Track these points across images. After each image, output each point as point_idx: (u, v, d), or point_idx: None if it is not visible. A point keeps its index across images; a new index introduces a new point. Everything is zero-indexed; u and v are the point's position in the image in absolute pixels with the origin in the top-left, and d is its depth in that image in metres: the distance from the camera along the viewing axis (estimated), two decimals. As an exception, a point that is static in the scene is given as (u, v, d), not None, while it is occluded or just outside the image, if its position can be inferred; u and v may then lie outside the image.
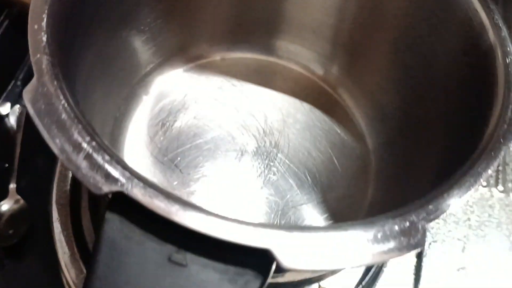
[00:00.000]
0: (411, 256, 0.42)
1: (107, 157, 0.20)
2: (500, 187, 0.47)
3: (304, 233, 0.19)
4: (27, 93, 0.21)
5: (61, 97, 0.21)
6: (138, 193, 0.19)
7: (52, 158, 0.49)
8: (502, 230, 0.44)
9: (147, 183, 0.19)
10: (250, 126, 0.38)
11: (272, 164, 0.37)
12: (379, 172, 0.38)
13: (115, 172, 0.19)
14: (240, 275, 0.20)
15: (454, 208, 0.21)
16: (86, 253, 0.38)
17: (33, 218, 0.45)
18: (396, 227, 0.20)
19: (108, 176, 0.19)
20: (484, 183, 0.47)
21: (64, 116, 0.20)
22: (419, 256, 0.42)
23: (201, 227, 0.19)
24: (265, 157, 0.38)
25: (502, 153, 0.23)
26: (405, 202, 0.30)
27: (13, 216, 0.46)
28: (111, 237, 0.19)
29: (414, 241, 0.20)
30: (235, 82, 0.40)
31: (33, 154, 0.50)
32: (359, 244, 0.20)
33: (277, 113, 0.39)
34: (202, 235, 0.19)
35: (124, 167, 0.20)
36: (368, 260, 0.20)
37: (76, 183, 0.41)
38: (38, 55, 0.22)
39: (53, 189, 0.40)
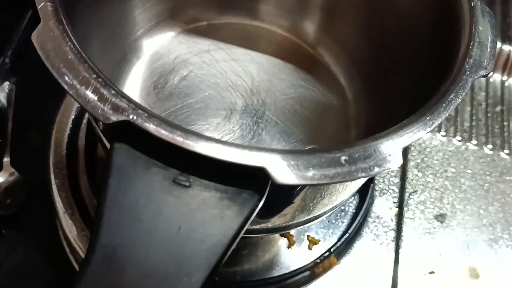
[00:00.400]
0: (393, 206, 0.45)
1: (113, 91, 0.22)
2: (474, 141, 0.50)
3: (294, 154, 0.22)
4: (35, 37, 0.22)
5: (67, 39, 0.23)
6: (143, 121, 0.21)
7: (44, 132, 0.50)
8: (477, 180, 0.48)
9: (151, 113, 0.21)
10: (238, 86, 0.40)
11: (260, 121, 0.39)
12: (359, 121, 0.40)
13: (122, 103, 0.21)
14: (239, 194, 0.22)
15: (427, 131, 0.24)
16: (86, 213, 0.40)
17: (29, 188, 0.47)
18: (373, 148, 0.23)
19: (115, 107, 0.21)
20: (459, 138, 0.50)
21: (71, 56, 0.22)
22: (400, 206, 0.45)
23: (202, 150, 0.21)
24: (253, 114, 0.40)
25: (469, 84, 0.26)
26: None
27: (9, 188, 0.47)
28: (119, 163, 0.21)
29: (391, 160, 0.23)
30: (222, 45, 0.42)
31: (25, 129, 0.51)
32: (346, 161, 0.22)
33: (263, 73, 0.42)
34: (204, 158, 0.21)
35: (129, 100, 0.22)
36: (352, 175, 0.22)
37: (72, 149, 0.42)
38: (43, 3, 0.23)
39: (50, 155, 0.42)
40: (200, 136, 0.21)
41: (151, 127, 0.21)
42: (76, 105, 0.43)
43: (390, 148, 0.23)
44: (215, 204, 0.21)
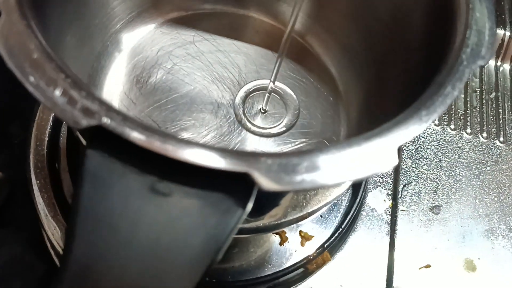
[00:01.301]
0: (387, 199, 0.44)
1: (83, 93, 0.20)
2: (468, 130, 0.49)
3: (281, 157, 0.20)
4: (-3, 33, 0.21)
5: (32, 35, 0.21)
6: (117, 126, 0.19)
7: (26, 127, 0.48)
8: (472, 169, 0.46)
9: (125, 116, 0.20)
10: (224, 79, 0.39)
11: (249, 114, 0.38)
12: (350, 115, 0.39)
13: (93, 106, 0.20)
14: (223, 201, 0.20)
15: (424, 128, 0.22)
16: (68, 213, 0.38)
17: (12, 185, 0.45)
18: (371, 147, 0.21)
19: (86, 111, 0.19)
20: (453, 126, 0.49)
21: (36, 54, 0.20)
22: (395, 198, 0.44)
23: (181, 155, 0.19)
24: (241, 108, 0.38)
25: (467, 75, 0.24)
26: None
27: (-10, 186, 0.45)
28: (92, 171, 0.20)
29: (388, 158, 0.21)
30: (207, 36, 0.40)
31: (5, 123, 0.49)
32: (335, 164, 0.20)
33: (251, 65, 0.40)
34: (183, 164, 0.19)
35: (101, 102, 0.20)
36: (344, 177, 0.20)
37: (53, 147, 0.40)
38: (5, -4, 0.21)
39: (30, 154, 0.40)
40: (179, 140, 0.19)
41: (125, 131, 0.19)
42: (56, 101, 0.41)
43: (385, 147, 0.21)
44: (197, 212, 0.20)
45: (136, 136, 0.19)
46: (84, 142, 0.24)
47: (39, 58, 0.20)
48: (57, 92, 0.20)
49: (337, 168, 0.20)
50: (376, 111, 0.34)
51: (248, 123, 0.37)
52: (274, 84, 0.37)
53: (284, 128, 0.38)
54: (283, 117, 0.38)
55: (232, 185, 0.20)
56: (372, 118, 0.35)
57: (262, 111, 0.38)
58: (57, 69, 0.20)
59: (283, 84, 0.39)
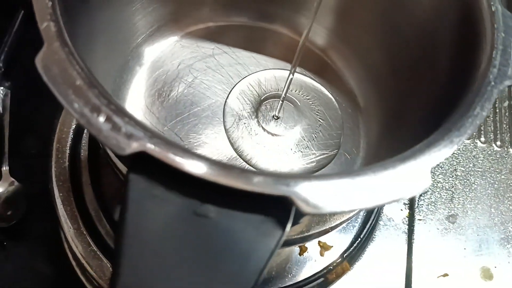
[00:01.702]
0: (404, 208, 0.45)
1: (126, 119, 0.20)
2: (482, 138, 0.49)
3: (321, 180, 0.21)
4: (39, 61, 0.21)
5: (74, 62, 0.21)
6: (161, 151, 0.20)
7: (42, 137, 0.49)
8: (487, 178, 0.47)
9: (168, 142, 0.20)
10: (245, 92, 0.39)
11: (269, 127, 0.38)
12: (371, 129, 0.39)
13: (137, 132, 0.20)
14: (263, 223, 0.21)
15: (454, 149, 0.23)
16: (92, 227, 0.38)
17: (30, 198, 0.45)
18: (405, 169, 0.22)
19: (130, 137, 0.20)
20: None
21: (79, 82, 0.21)
22: (411, 207, 0.45)
23: (223, 180, 0.20)
24: (261, 121, 0.38)
25: (495, 95, 0.24)
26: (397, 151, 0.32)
27: (9, 199, 0.46)
28: (136, 196, 0.20)
29: (421, 181, 0.22)
30: (226, 49, 0.41)
31: (22, 135, 0.50)
32: (371, 186, 0.21)
33: (270, 77, 0.40)
34: (225, 188, 0.20)
35: (145, 128, 0.20)
36: (381, 200, 0.21)
37: (75, 159, 0.41)
38: (46, 23, 0.22)
39: (52, 167, 0.40)
40: (222, 166, 0.20)
41: (169, 157, 0.20)
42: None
43: (418, 169, 0.22)
44: (239, 235, 0.20)
45: (179, 162, 0.20)
46: (120, 166, 0.24)
47: (81, 85, 0.21)
48: (101, 119, 0.20)
49: (374, 191, 0.21)
50: (397, 126, 0.34)
51: (266, 133, 0.38)
52: (286, 93, 0.38)
53: (299, 135, 0.38)
54: (296, 124, 0.39)
55: (271, 207, 0.21)
56: (393, 132, 0.35)
57: (275, 117, 0.38)
58: (99, 96, 0.21)
59: (304, 96, 0.40)
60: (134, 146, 0.20)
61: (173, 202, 0.20)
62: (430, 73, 0.31)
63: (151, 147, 0.20)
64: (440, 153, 0.23)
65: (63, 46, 0.22)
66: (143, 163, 0.20)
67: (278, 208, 0.21)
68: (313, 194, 0.20)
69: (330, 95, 0.40)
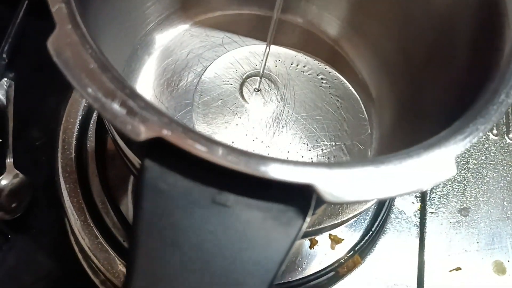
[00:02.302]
0: (415, 201, 0.44)
1: (142, 103, 0.19)
2: (495, 131, 0.48)
3: (343, 168, 0.20)
4: (51, 44, 0.20)
5: (87, 45, 0.20)
6: (178, 137, 0.19)
7: (47, 129, 0.48)
8: (499, 171, 0.46)
9: (185, 127, 0.19)
10: (255, 81, 0.38)
11: (280, 117, 0.37)
12: (383, 119, 0.38)
13: (153, 117, 0.19)
14: (283, 212, 0.20)
15: (480, 136, 0.22)
16: (99, 219, 0.38)
17: (34, 190, 0.45)
18: (430, 157, 0.21)
19: (146, 121, 0.19)
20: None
21: (93, 65, 0.20)
22: (423, 200, 0.44)
23: (244, 168, 0.19)
24: (272, 110, 0.38)
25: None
26: (416, 140, 0.31)
27: (14, 190, 0.45)
28: (152, 184, 0.19)
29: (447, 168, 0.21)
30: (236, 38, 0.40)
31: (26, 126, 0.49)
32: (395, 174, 0.20)
33: (281, 67, 0.39)
34: (244, 176, 0.19)
35: (161, 113, 0.20)
36: (405, 189, 0.20)
37: (81, 150, 0.40)
38: (57, 5, 0.21)
39: (58, 158, 0.39)
40: (241, 152, 0.19)
41: (187, 143, 0.19)
42: (83, 104, 0.41)
43: (443, 157, 0.21)
44: (259, 225, 0.20)
45: (198, 148, 0.19)
46: (132, 156, 0.23)
47: (95, 69, 0.20)
48: (116, 104, 0.19)
49: (398, 179, 0.20)
50: (412, 116, 0.34)
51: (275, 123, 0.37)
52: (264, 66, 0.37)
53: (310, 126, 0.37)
54: (308, 115, 0.38)
55: (292, 196, 0.20)
56: (408, 123, 0.34)
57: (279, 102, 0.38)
58: (113, 80, 0.20)
59: (314, 86, 0.39)
60: (150, 132, 0.19)
61: (191, 190, 0.20)
62: (448, 62, 0.30)
63: (168, 132, 0.19)
64: (465, 141, 0.22)
65: (75, 29, 0.21)
66: (159, 149, 0.20)
67: (299, 197, 0.20)
68: (336, 182, 0.19)
69: (341, 85, 0.39)
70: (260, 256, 0.19)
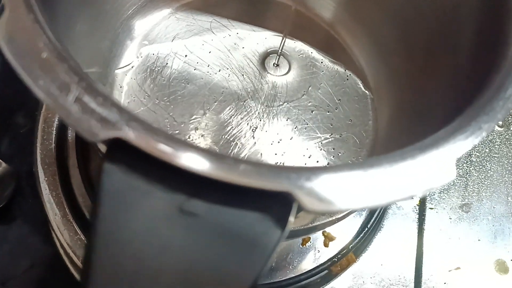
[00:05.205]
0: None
1: (100, 99, 0.17)
2: (499, 122, 0.46)
3: (328, 173, 0.18)
4: (0, 30, 0.18)
5: (41, 32, 0.18)
6: (139, 137, 0.17)
7: (32, 116, 0.46)
8: (504, 164, 0.44)
9: (148, 126, 0.17)
10: (245, 68, 0.36)
11: (270, 107, 0.35)
12: (381, 110, 0.36)
13: (111, 115, 0.17)
14: (259, 222, 0.18)
15: (483, 136, 0.20)
16: (79, 213, 0.36)
17: (18, 180, 0.43)
18: (427, 160, 0.19)
19: (104, 120, 0.17)
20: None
21: (46, 54, 0.18)
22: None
23: (213, 172, 0.17)
24: (263, 100, 0.35)
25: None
26: (414, 137, 0.29)
27: (-3, 180, 0.43)
28: (112, 189, 0.17)
29: (445, 172, 0.19)
30: (225, 22, 0.37)
31: (10, 114, 0.47)
32: (386, 180, 0.18)
33: (272, 53, 0.37)
34: (215, 181, 0.17)
35: (121, 109, 0.17)
36: (398, 196, 0.18)
37: (62, 141, 0.38)
38: (8, -14, 0.19)
39: (37, 149, 0.37)
40: (211, 155, 0.17)
41: (150, 145, 0.17)
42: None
43: (441, 159, 0.19)
44: (232, 235, 0.17)
45: (161, 149, 0.17)
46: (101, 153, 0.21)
47: (49, 58, 0.18)
48: (71, 98, 0.17)
49: (389, 185, 0.18)
50: (411, 108, 0.31)
51: (268, 118, 0.35)
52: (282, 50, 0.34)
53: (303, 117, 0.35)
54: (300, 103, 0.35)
55: (269, 203, 0.18)
56: (407, 114, 0.32)
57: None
58: (70, 71, 0.18)
59: (308, 74, 0.37)
60: (108, 132, 0.17)
61: (156, 196, 0.17)
62: (451, 51, 0.28)
63: (127, 132, 0.17)
64: (466, 141, 0.19)
65: (28, 12, 0.18)
66: (121, 151, 0.17)
67: (277, 204, 0.18)
68: (319, 189, 0.17)
69: (338, 74, 0.37)
70: (233, 272, 0.17)
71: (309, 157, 0.34)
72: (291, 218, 0.18)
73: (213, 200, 0.18)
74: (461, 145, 0.19)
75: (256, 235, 0.18)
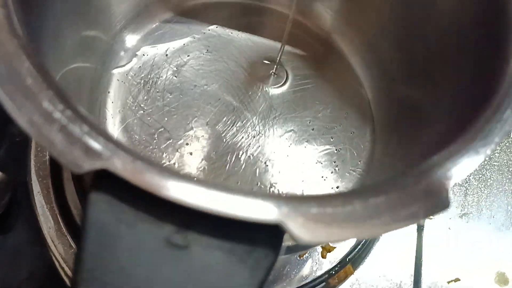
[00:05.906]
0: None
1: (85, 128, 0.17)
2: (501, 129, 0.45)
3: (317, 204, 0.17)
4: (-18, 56, 0.17)
5: (24, 57, 0.17)
6: (125, 168, 0.16)
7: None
8: (504, 173, 0.43)
9: (135, 156, 0.17)
10: (240, 78, 0.35)
11: (267, 119, 0.35)
12: (378, 122, 0.35)
13: (96, 145, 0.16)
14: (249, 253, 0.17)
15: (480, 161, 0.19)
16: (74, 226, 0.35)
17: (14, 189, 0.43)
18: (419, 188, 0.18)
19: (88, 151, 0.16)
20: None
21: (29, 81, 0.17)
22: (422, 205, 0.41)
23: (201, 203, 0.16)
24: (259, 111, 0.35)
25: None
26: (409, 155, 0.28)
27: (-9, 189, 0.43)
28: (98, 221, 0.17)
29: (439, 202, 0.18)
30: (219, 30, 0.37)
31: (5, 122, 0.47)
32: (378, 211, 0.17)
33: (268, 62, 0.36)
34: (204, 213, 0.17)
35: (107, 138, 0.17)
36: (389, 227, 0.17)
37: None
38: (-9, 10, 0.18)
39: (31, 161, 0.37)
40: (199, 183, 0.17)
41: (135, 175, 0.16)
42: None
43: (435, 188, 0.18)
44: (221, 268, 0.17)
45: (147, 181, 0.16)
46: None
47: (33, 85, 0.17)
48: (55, 128, 0.17)
49: (379, 217, 0.17)
50: (409, 120, 0.31)
51: (266, 128, 0.34)
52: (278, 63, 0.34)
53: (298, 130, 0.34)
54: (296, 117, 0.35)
55: (259, 234, 0.17)
56: (404, 127, 0.31)
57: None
58: (54, 98, 0.17)
59: (306, 83, 0.36)
60: (94, 162, 0.16)
61: (143, 228, 0.17)
62: (448, 65, 0.27)
63: (114, 162, 0.16)
64: (462, 168, 0.19)
65: (12, 36, 0.18)
66: (107, 181, 0.17)
67: (267, 235, 0.17)
68: (309, 220, 0.17)
69: (335, 83, 0.36)
70: (221, 305, 0.17)
71: (305, 172, 0.33)
72: (282, 250, 0.18)
73: (201, 231, 0.17)
74: (456, 171, 0.19)
75: (246, 267, 0.17)
